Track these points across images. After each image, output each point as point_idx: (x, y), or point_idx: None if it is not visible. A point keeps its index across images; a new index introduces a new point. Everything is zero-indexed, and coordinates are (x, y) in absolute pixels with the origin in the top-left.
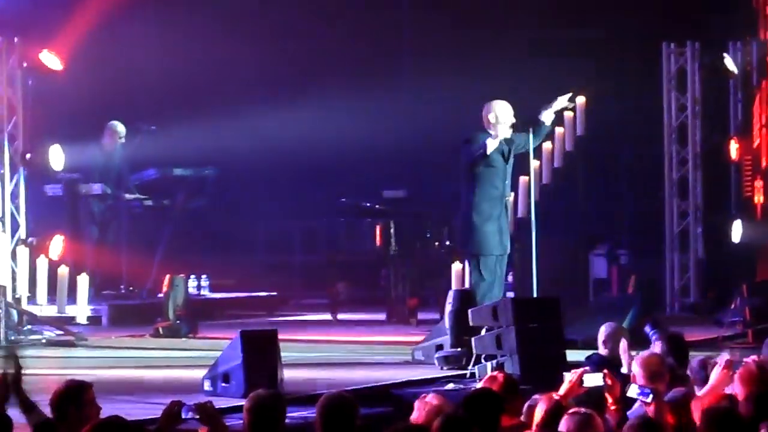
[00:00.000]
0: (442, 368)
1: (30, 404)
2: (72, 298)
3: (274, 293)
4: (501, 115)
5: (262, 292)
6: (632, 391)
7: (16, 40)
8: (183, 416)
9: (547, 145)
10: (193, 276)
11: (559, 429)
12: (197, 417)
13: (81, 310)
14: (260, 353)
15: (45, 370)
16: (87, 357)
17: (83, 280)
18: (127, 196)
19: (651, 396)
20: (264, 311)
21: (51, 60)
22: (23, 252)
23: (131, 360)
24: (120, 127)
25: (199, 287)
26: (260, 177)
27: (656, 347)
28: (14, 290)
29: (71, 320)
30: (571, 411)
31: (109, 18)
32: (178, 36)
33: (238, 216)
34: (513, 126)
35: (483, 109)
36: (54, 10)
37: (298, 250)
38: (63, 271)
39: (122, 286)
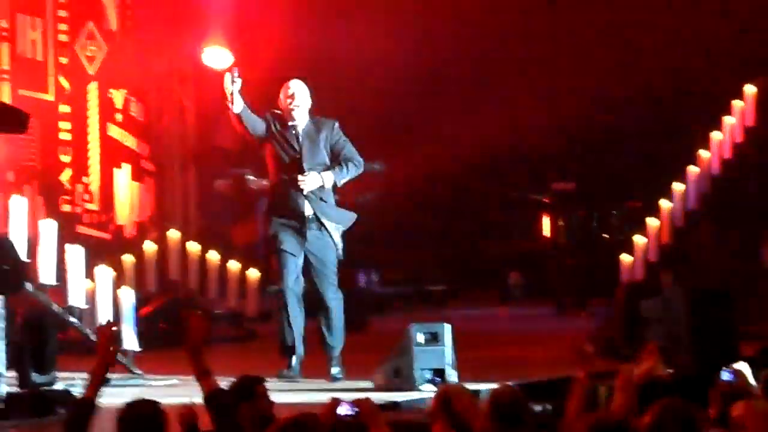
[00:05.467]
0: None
1: (206, 369)
2: (242, 292)
3: (444, 287)
4: (299, 96)
5: (431, 286)
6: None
7: None
8: (344, 412)
9: (716, 135)
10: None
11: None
12: (357, 411)
13: (251, 305)
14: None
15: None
16: (258, 352)
17: (253, 275)
18: None
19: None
20: (433, 305)
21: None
22: (194, 247)
23: None
24: None
25: (369, 281)
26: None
27: None
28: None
29: (241, 315)
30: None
31: None
32: None
33: (407, 210)
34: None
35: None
36: None
37: (468, 243)
38: (234, 266)
39: None
